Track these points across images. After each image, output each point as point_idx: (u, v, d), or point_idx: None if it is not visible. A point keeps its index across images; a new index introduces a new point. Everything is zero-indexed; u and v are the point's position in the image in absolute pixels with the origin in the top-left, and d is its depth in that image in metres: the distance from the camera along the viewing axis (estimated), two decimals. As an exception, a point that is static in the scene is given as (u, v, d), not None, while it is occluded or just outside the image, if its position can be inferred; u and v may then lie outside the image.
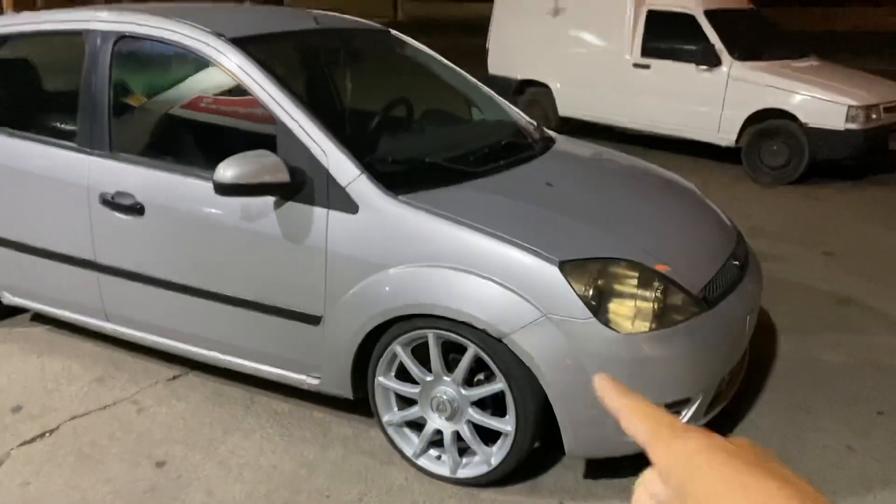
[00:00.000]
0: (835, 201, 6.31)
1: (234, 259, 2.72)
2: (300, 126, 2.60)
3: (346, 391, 2.72)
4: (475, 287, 2.35)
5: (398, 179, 2.59)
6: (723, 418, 2.80)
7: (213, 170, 2.52)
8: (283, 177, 2.51)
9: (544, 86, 8.51)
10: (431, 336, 2.47)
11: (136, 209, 2.86)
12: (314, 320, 2.64)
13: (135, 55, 3.04)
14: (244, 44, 2.81)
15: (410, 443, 2.67)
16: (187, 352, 3.02)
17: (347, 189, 2.53)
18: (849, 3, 26.98)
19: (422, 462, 2.64)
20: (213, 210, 2.70)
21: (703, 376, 2.47)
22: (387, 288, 2.46)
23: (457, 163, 2.81)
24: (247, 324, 2.79)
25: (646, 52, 7.59)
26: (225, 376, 3.20)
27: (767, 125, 6.76)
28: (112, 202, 2.91)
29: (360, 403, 2.83)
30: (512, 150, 3.12)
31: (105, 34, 2.99)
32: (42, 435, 2.84)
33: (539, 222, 2.53)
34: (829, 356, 3.54)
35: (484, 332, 2.34)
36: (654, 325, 2.35)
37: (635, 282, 2.40)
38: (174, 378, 3.25)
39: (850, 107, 6.36)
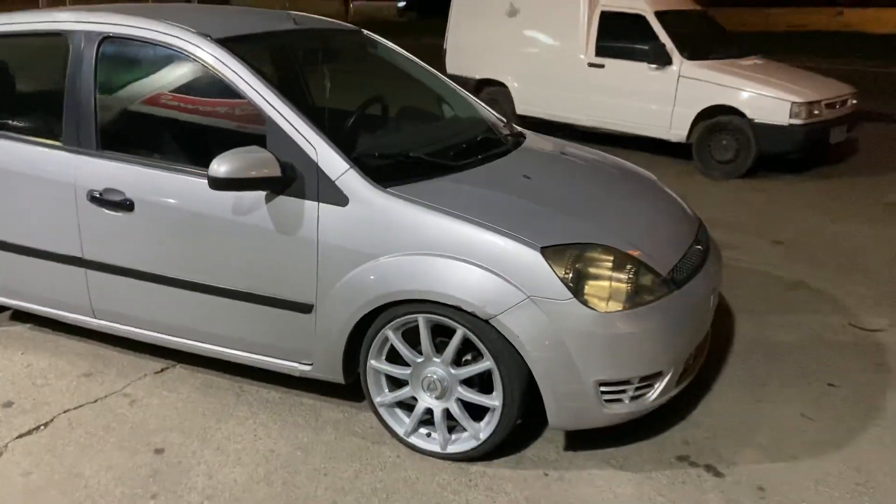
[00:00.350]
0: (782, 193, 6.64)
1: (227, 252, 2.81)
2: (289, 123, 2.71)
3: (337, 376, 2.84)
4: (463, 273, 2.50)
5: (384, 173, 2.72)
6: (690, 391, 3.01)
7: (203, 166, 2.62)
8: (275, 171, 2.63)
9: (502, 85, 8.72)
10: (422, 320, 2.61)
11: (126, 205, 2.93)
12: (306, 309, 2.76)
13: (120, 55, 3.09)
14: (230, 44, 2.91)
15: (401, 422, 2.80)
16: (179, 344, 3.10)
17: (337, 182, 2.65)
18: (787, 4, 27.96)
19: (413, 440, 2.78)
20: (206, 204, 2.79)
21: (673, 351, 2.66)
22: (378, 276, 2.59)
23: (438, 157, 2.94)
24: (239, 315, 2.89)
25: (600, 51, 7.86)
26: (212, 367, 3.29)
27: (716, 121, 7.06)
28: (100, 199, 2.97)
29: (347, 388, 2.96)
30: (487, 145, 3.27)
31: (89, 34, 3.05)
32: (37, 427, 2.90)
33: (520, 211, 2.68)
34: (781, 335, 3.80)
35: (472, 314, 2.49)
36: (627, 305, 2.53)
37: (610, 265, 2.58)
38: (162, 371, 3.33)
39: (793, 103, 6.70)
